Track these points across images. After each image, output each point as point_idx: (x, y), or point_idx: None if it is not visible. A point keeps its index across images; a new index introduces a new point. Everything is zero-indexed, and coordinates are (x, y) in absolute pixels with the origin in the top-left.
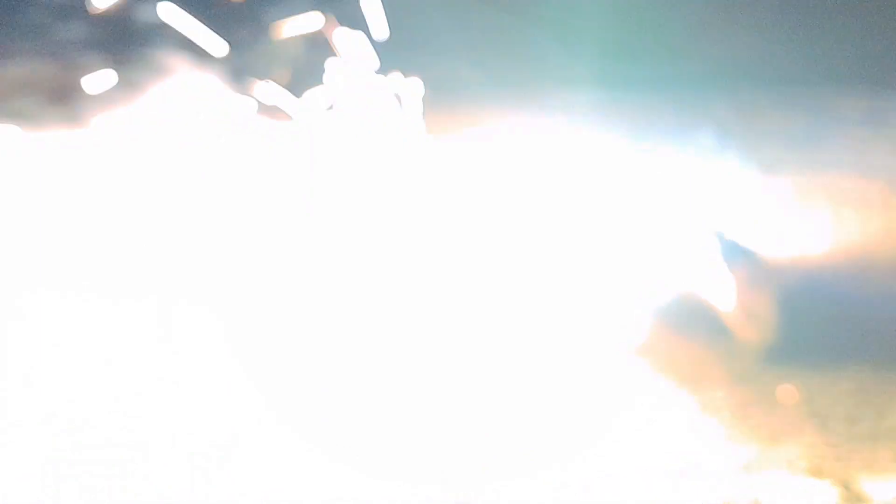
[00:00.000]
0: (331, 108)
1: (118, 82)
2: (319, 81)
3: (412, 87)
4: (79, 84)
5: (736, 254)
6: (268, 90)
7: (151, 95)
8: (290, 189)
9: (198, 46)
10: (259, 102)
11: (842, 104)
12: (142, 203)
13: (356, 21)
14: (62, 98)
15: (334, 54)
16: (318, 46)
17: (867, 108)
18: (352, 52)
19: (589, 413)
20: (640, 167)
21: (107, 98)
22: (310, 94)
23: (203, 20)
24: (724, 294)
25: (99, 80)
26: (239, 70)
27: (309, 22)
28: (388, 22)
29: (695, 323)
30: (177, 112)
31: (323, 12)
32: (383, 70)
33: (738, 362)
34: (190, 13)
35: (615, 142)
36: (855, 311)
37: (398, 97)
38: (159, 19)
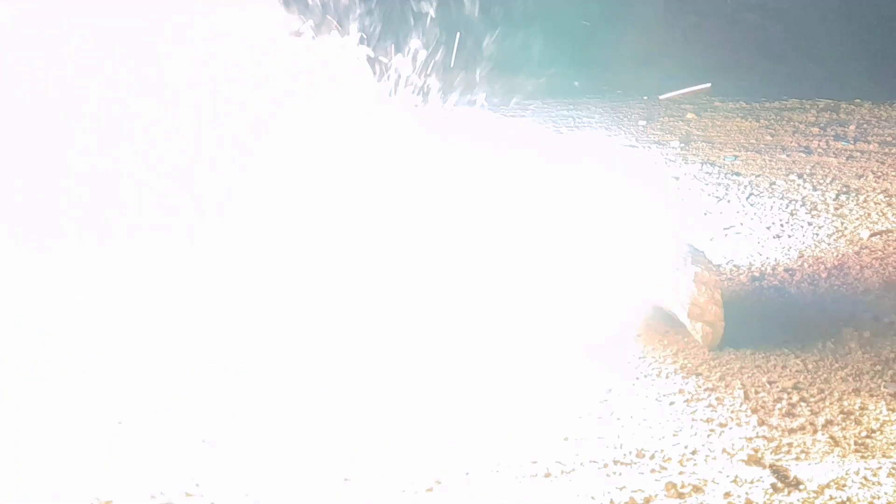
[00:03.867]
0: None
1: None
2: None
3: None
4: None
5: (688, 254)
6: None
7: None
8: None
9: None
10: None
11: (799, 114)
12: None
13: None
14: None
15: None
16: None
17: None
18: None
19: (538, 405)
20: (599, 170)
21: None
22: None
23: None
24: (677, 293)
25: None
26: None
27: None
28: None
29: (647, 319)
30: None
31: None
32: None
33: (687, 357)
34: None
35: (576, 142)
36: (799, 311)
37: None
38: None
